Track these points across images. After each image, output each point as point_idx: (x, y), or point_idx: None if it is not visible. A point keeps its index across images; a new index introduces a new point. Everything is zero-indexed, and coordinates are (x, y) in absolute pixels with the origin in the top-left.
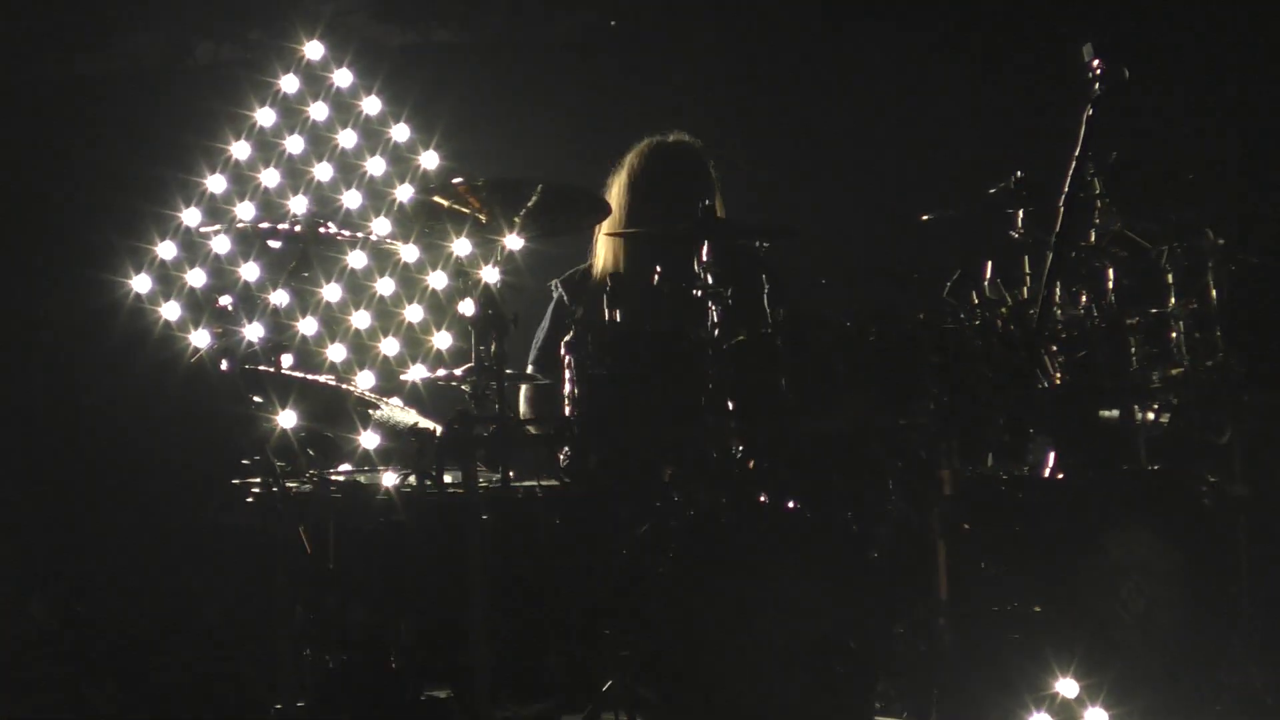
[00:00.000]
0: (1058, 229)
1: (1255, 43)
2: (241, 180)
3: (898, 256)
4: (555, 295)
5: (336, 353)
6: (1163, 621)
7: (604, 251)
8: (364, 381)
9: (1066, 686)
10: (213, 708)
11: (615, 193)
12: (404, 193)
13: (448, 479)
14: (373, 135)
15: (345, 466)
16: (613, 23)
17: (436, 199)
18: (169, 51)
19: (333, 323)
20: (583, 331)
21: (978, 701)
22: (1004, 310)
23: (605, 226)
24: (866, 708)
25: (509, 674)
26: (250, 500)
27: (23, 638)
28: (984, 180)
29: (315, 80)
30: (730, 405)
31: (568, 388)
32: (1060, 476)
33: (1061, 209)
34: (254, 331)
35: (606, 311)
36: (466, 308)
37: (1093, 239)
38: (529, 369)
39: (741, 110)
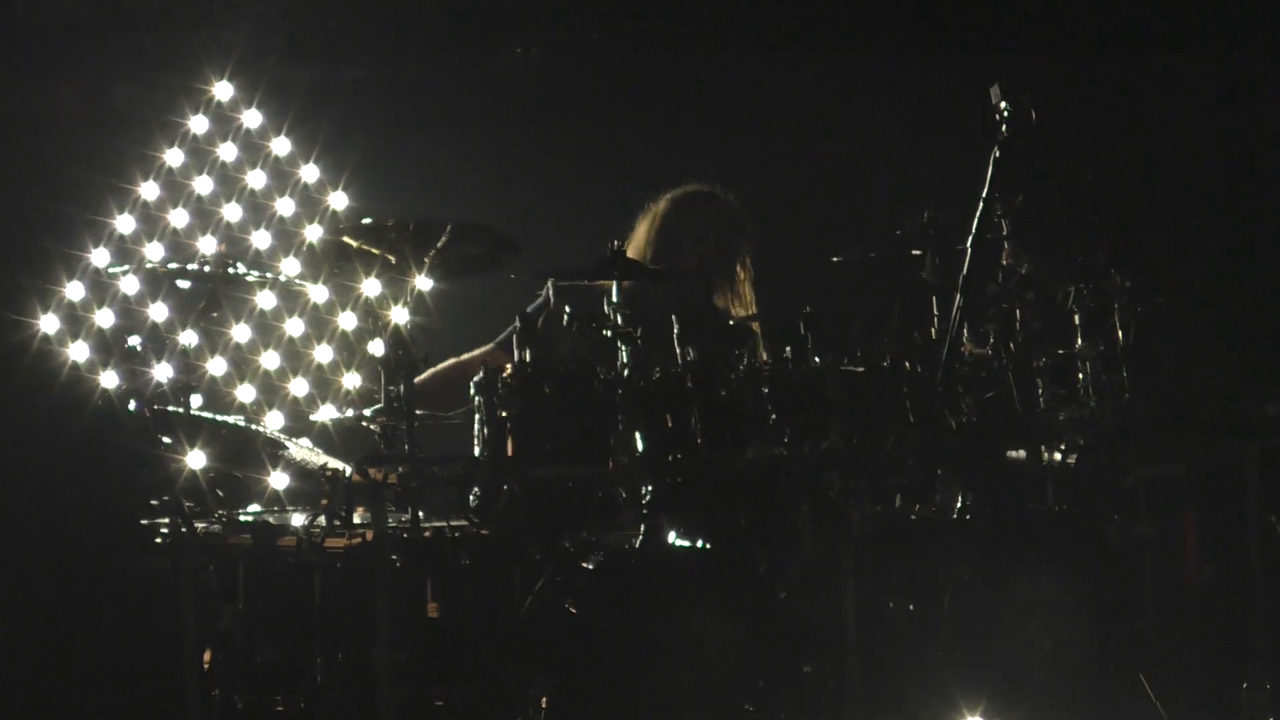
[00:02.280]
0: (965, 271)
1: (1168, 87)
2: (150, 221)
3: (810, 296)
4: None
5: (245, 393)
6: (1070, 660)
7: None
8: (273, 422)
9: None
10: None
11: (641, 232)
12: (313, 233)
13: (357, 520)
14: (282, 176)
15: (254, 507)
16: (519, 50)
17: (346, 239)
18: (87, 94)
19: (242, 363)
20: (492, 371)
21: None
22: (913, 350)
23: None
24: None
25: (419, 714)
26: (159, 541)
27: None
28: (893, 221)
29: (224, 121)
30: (640, 444)
31: (477, 427)
32: (968, 516)
33: (969, 250)
34: (162, 372)
35: (516, 352)
36: (376, 348)
37: (1000, 280)
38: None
39: (662, 150)
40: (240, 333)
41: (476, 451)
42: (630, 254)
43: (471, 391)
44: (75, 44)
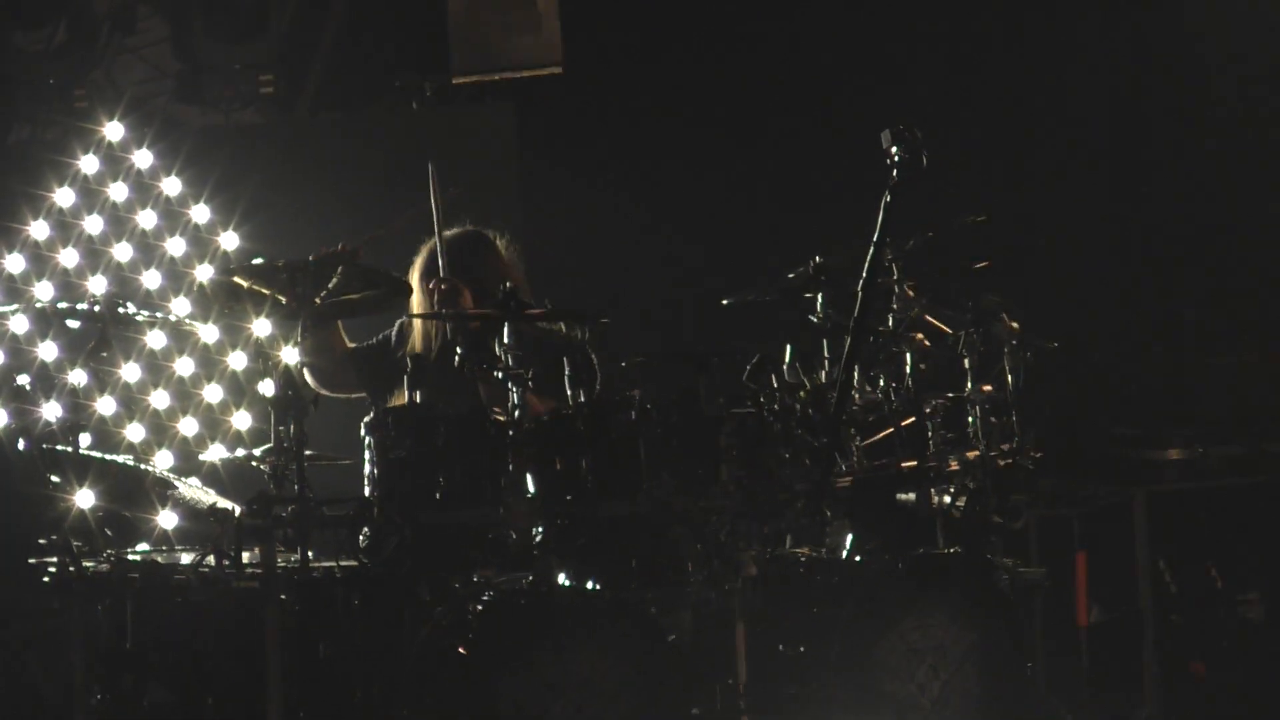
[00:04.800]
0: (856, 314)
1: (1056, 131)
2: (40, 260)
3: (699, 340)
4: (392, 331)
5: (135, 432)
6: (958, 703)
7: (414, 331)
8: (162, 461)
9: None
10: None
11: (417, 275)
12: (203, 273)
13: (246, 559)
14: (173, 216)
15: (143, 546)
16: (400, 89)
17: (236, 280)
18: None
19: (131, 402)
20: (383, 413)
21: None
22: (803, 394)
23: (413, 307)
24: None
25: None
26: (47, 580)
27: None
28: (785, 263)
29: (115, 161)
30: (531, 487)
31: (368, 468)
32: (858, 559)
33: (860, 294)
34: (51, 411)
35: (407, 393)
36: (266, 388)
37: (891, 324)
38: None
39: (548, 191)
40: (130, 372)
41: (366, 492)
42: (418, 298)
43: (362, 432)
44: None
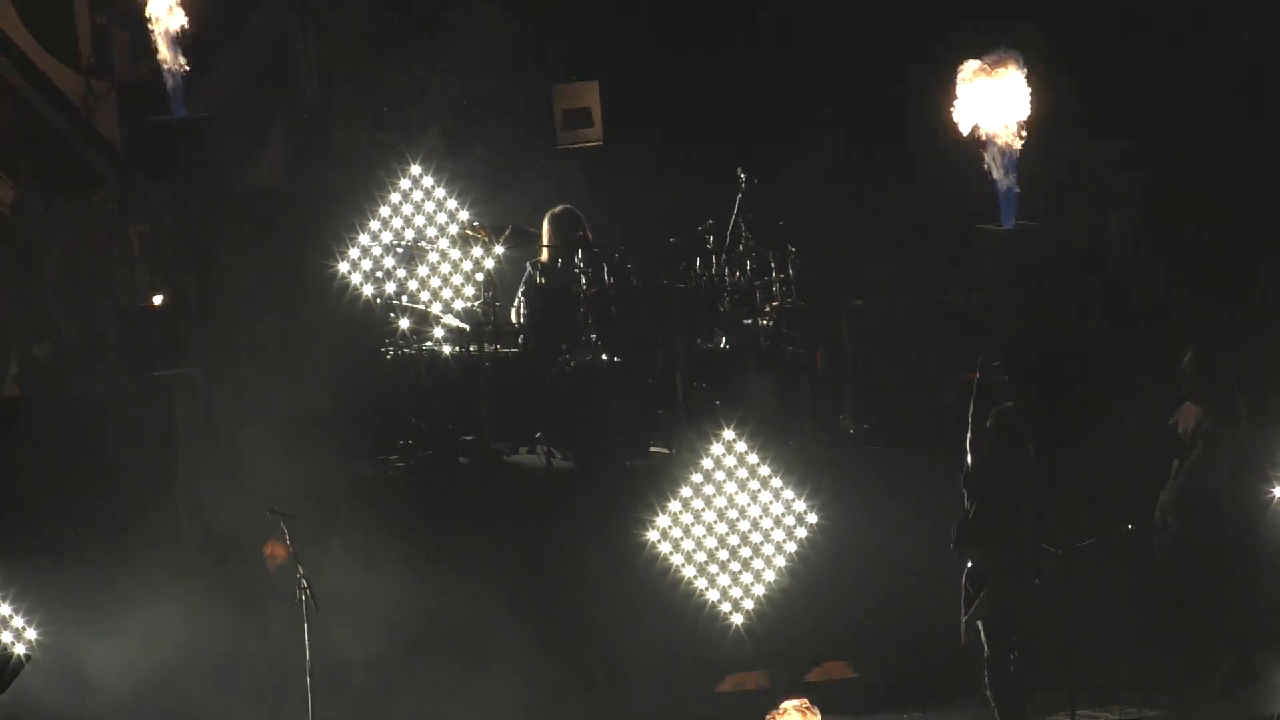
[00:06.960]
0: (725, 245)
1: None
2: (384, 224)
3: (660, 260)
4: (528, 270)
5: (425, 296)
6: (767, 407)
7: (546, 252)
8: (436, 308)
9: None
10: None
11: (545, 228)
12: (454, 229)
13: (472, 349)
14: (442, 205)
15: (428, 344)
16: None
17: (468, 231)
18: (362, 176)
19: (423, 282)
20: (529, 288)
21: (689, 434)
22: (704, 281)
23: (544, 240)
24: (646, 442)
25: (500, 431)
26: (388, 358)
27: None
28: (695, 224)
29: (417, 183)
30: (591, 321)
31: (524, 311)
32: (727, 347)
33: (728, 236)
34: (390, 287)
35: (540, 278)
36: (479, 276)
37: (741, 249)
38: (518, 302)
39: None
40: (422, 270)
41: (522, 320)
42: (546, 236)
43: (520, 293)
44: (379, 158)
